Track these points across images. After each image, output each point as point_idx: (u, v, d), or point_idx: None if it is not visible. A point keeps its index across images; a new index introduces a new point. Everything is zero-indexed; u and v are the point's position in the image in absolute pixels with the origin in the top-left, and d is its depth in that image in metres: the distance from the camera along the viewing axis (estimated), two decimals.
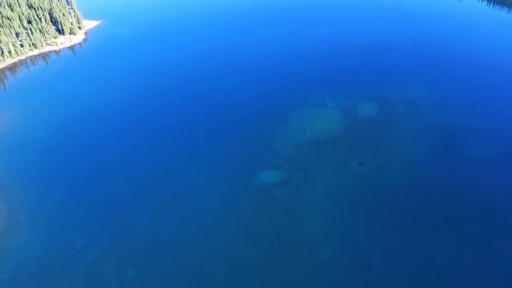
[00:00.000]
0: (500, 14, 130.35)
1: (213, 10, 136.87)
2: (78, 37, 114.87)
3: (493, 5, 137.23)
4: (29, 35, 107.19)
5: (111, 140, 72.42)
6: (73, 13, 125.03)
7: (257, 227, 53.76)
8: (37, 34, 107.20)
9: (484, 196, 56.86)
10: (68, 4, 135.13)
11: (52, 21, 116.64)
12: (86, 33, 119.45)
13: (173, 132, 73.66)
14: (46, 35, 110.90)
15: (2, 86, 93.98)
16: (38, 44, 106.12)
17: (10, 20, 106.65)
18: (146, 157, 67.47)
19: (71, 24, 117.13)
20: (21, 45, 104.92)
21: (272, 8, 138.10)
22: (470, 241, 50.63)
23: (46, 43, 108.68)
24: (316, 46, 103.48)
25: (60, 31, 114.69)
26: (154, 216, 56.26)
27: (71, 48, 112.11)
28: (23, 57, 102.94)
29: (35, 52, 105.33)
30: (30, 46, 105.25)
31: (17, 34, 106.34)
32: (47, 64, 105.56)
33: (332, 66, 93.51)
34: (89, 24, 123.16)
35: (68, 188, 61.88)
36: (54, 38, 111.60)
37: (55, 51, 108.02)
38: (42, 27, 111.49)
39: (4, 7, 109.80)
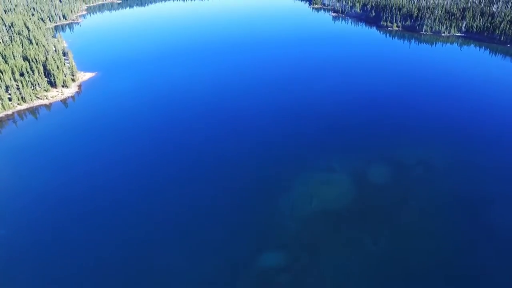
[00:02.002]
0: None
1: (211, 66, 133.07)
2: (70, 90, 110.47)
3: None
4: (19, 88, 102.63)
5: (101, 207, 64.53)
6: (68, 65, 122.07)
7: None
8: (27, 88, 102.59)
9: None
10: (64, 55, 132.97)
11: (45, 73, 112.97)
12: (80, 86, 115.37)
13: (163, 201, 65.85)
14: (38, 88, 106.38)
15: None
16: (28, 98, 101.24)
17: (2, 73, 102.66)
18: (134, 226, 59.32)
19: (65, 76, 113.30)
20: (9, 99, 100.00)
21: (272, 62, 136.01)
22: None
23: (36, 97, 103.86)
24: (321, 103, 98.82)
25: (53, 84, 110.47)
26: None
27: (63, 101, 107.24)
28: (10, 112, 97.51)
29: (24, 106, 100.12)
30: (18, 100, 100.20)
31: (7, 87, 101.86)
32: (36, 118, 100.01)
33: (338, 124, 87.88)
34: (83, 76, 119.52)
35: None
36: (46, 91, 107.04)
37: (45, 105, 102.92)
38: (34, 79, 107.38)
39: None
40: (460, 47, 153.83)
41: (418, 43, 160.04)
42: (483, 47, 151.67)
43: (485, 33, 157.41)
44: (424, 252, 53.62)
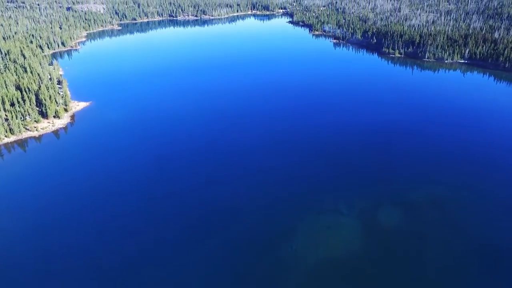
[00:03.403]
0: None
1: (209, 97, 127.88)
2: (62, 121, 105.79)
3: None
4: (7, 120, 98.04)
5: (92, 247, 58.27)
6: (62, 94, 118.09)
7: None
8: (17, 119, 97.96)
9: None
10: (58, 84, 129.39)
11: (37, 103, 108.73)
12: (73, 116, 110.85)
13: (156, 242, 59.58)
14: (28, 119, 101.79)
15: None
16: (16, 130, 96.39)
17: None
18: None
19: (57, 106, 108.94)
20: None
21: (272, 91, 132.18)
22: None
23: (26, 128, 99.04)
24: (323, 135, 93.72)
25: (44, 114, 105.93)
26: None
27: (55, 132, 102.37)
28: None
29: (11, 138, 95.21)
30: (6, 132, 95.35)
31: None
32: (25, 151, 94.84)
33: (343, 159, 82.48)
34: (77, 106, 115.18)
35: None
36: (36, 122, 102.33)
37: (35, 137, 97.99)
38: (24, 110, 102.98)
39: None
40: (464, 74, 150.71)
41: (421, 70, 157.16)
42: (487, 73, 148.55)
43: (489, 60, 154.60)
44: None
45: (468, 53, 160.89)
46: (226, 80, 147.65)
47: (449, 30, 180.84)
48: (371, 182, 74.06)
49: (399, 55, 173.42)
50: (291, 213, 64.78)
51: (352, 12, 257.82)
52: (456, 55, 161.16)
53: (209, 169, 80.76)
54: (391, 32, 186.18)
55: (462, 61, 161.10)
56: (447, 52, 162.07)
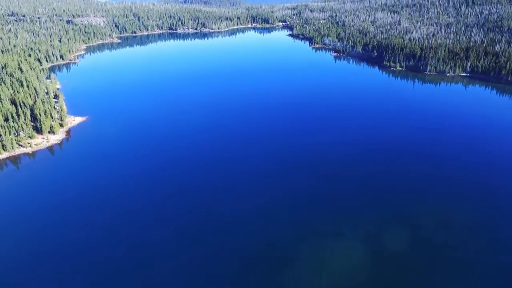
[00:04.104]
0: None
1: (207, 112, 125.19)
2: (57, 137, 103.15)
3: None
4: (0, 135, 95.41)
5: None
6: (58, 108, 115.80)
7: None
8: (10, 135, 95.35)
9: None
10: (55, 98, 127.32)
11: (32, 118, 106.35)
12: (69, 131, 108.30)
13: (154, 260, 56.26)
14: (21, 134, 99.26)
15: None
16: (9, 146, 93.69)
17: None
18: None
19: (52, 121, 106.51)
20: None
21: (270, 108, 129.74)
22: None
23: (19, 144, 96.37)
24: (324, 153, 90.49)
25: (39, 130, 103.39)
26: None
27: (50, 148, 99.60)
28: None
29: (4, 155, 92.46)
30: None
31: None
32: (18, 168, 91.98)
33: (344, 179, 79.28)
34: (73, 121, 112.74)
35: None
36: (30, 137, 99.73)
37: (28, 153, 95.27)
38: (19, 125, 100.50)
39: None
40: (466, 87, 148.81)
41: (423, 83, 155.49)
42: (490, 87, 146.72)
43: (491, 73, 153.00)
44: None
45: (470, 66, 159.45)
46: (225, 94, 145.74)
47: (450, 43, 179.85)
48: (374, 202, 70.96)
49: (401, 68, 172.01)
50: (293, 236, 61.57)
51: (352, 25, 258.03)
52: (458, 68, 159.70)
53: (207, 190, 77.59)
54: (392, 45, 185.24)
55: (464, 74, 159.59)
56: (449, 65, 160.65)
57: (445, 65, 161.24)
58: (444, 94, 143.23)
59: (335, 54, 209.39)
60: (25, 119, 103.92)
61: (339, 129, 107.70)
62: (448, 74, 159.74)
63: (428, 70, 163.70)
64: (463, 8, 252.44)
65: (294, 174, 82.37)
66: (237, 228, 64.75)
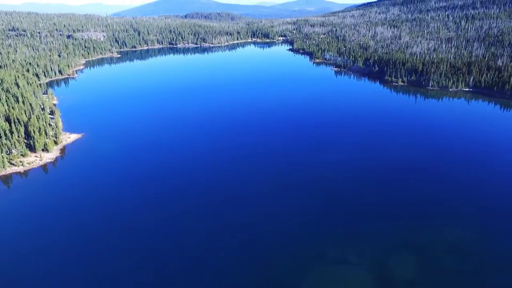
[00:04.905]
0: None
1: (206, 129, 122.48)
2: (51, 155, 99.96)
3: None
4: None
5: None
6: (53, 125, 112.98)
7: None
8: (1, 153, 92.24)
9: None
10: (51, 114, 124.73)
11: (26, 135, 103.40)
12: (63, 149, 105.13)
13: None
14: (14, 152, 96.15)
15: None
16: None
17: None
18: None
19: (47, 138, 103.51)
20: None
21: (272, 124, 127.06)
22: None
23: (10, 163, 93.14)
24: (326, 176, 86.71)
25: (32, 148, 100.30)
26: None
27: (43, 167, 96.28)
28: None
29: None
30: None
31: None
32: (9, 188, 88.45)
33: (348, 202, 75.35)
34: (68, 138, 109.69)
35: None
36: (22, 156, 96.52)
37: (20, 172, 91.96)
38: (11, 143, 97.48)
39: None
40: (469, 103, 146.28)
41: (425, 98, 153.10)
42: (493, 102, 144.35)
43: (495, 88, 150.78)
44: None
45: (473, 81, 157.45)
46: (224, 110, 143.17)
47: (451, 57, 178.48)
48: (379, 225, 67.24)
49: (402, 83, 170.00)
50: (296, 265, 57.65)
51: (353, 40, 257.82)
52: (460, 83, 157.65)
53: (206, 215, 74.01)
54: (393, 60, 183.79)
55: (467, 89, 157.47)
56: (451, 80, 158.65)
57: (447, 80, 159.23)
58: (447, 109, 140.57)
59: (336, 69, 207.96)
60: (18, 137, 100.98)
61: (341, 146, 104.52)
62: (450, 89, 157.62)
63: (430, 85, 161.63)
64: (463, 23, 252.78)
65: (294, 195, 78.78)
66: (236, 254, 60.95)
